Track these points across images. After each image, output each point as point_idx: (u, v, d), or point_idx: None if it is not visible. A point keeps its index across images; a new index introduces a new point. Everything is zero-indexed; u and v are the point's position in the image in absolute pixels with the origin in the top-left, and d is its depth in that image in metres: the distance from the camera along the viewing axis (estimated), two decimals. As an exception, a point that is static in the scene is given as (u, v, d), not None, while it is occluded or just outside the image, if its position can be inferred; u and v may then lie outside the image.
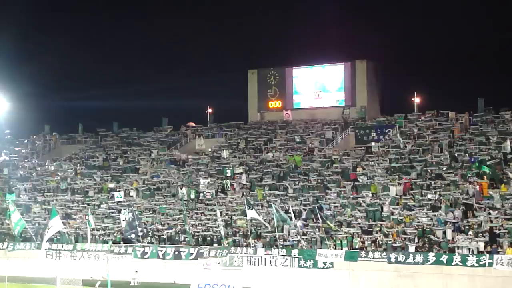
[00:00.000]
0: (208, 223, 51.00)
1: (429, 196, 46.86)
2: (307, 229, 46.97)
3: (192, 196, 54.76)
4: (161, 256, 48.42)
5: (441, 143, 54.35)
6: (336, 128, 63.81)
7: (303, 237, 46.06)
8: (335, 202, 49.46)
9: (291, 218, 47.08)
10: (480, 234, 41.80)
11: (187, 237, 48.84)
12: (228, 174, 57.15)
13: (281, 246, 45.65)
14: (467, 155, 51.25)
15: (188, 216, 51.56)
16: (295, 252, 44.62)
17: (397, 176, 50.41)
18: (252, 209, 46.90)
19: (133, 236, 49.57)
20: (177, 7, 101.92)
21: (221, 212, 49.64)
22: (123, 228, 50.81)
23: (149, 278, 48.22)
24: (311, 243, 45.63)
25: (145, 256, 48.89)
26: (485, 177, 47.02)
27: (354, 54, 69.38)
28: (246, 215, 47.82)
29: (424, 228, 43.78)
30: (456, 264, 40.25)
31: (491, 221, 42.49)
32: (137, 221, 49.73)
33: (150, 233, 51.13)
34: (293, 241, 46.11)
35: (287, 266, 44.59)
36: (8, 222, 57.35)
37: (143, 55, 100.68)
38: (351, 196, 49.76)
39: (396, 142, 56.40)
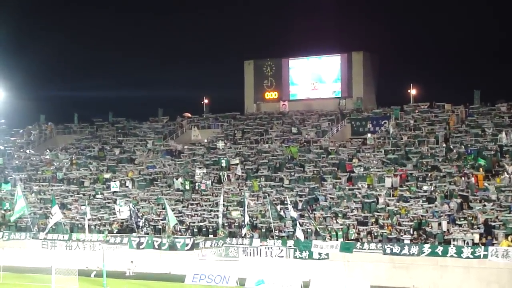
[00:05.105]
0: (203, 214, 51.00)
1: (425, 188, 46.92)
2: (303, 220, 47.01)
3: (187, 187, 54.72)
4: (156, 247, 48.32)
5: (437, 135, 54.37)
6: (332, 120, 63.74)
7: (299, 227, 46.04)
8: (331, 194, 49.49)
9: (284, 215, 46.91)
10: (475, 226, 41.90)
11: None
12: (224, 165, 57.12)
13: (276, 237, 45.68)
14: (463, 147, 51.32)
15: (185, 207, 51.52)
16: (290, 243, 44.65)
17: (393, 168, 50.44)
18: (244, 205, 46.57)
19: (140, 223, 49.60)
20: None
21: (217, 203, 49.56)
22: (127, 218, 50.63)
23: (144, 268, 48.21)
24: (306, 234, 45.70)
25: (141, 247, 48.81)
26: (481, 169, 47.09)
27: (350, 45, 69.26)
28: (241, 206, 47.80)
29: (420, 220, 43.87)
30: (451, 256, 40.31)
31: (486, 213, 42.59)
32: (135, 212, 49.86)
33: (146, 222, 51.13)
34: (288, 231, 46.16)
35: (282, 257, 44.60)
36: (3, 212, 57.37)
37: (139, 45, 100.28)
38: (347, 188, 49.83)
39: (393, 134, 56.40)
